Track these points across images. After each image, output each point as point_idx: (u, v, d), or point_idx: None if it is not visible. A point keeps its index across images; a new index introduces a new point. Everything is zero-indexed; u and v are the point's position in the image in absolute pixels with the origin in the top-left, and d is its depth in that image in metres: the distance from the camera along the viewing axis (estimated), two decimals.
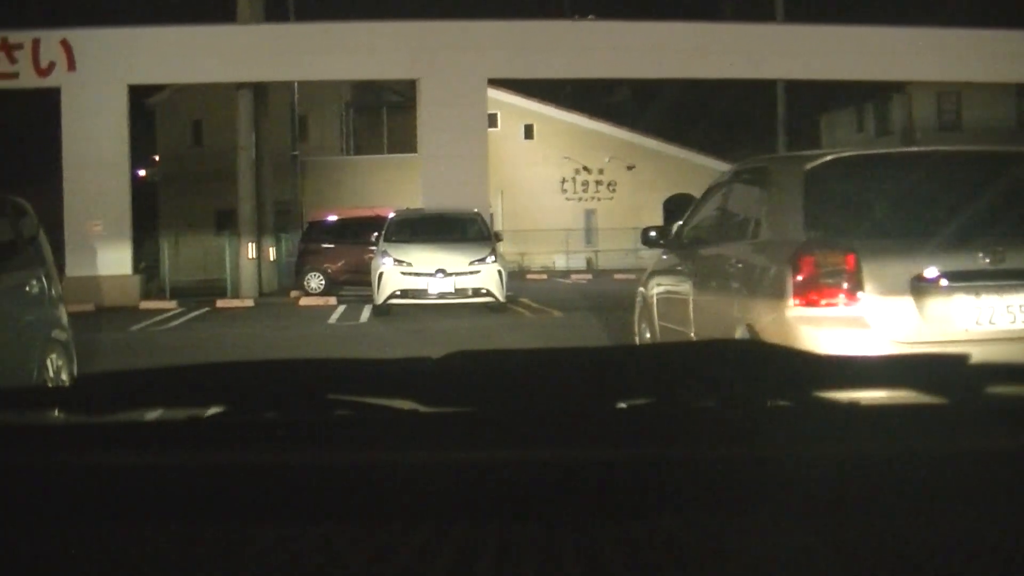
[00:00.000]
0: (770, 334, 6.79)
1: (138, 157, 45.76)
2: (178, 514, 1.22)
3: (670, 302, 9.34)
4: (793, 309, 6.63)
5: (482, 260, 20.32)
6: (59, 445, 1.43)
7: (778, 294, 6.76)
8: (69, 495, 1.27)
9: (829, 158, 7.43)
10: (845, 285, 6.53)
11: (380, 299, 20.32)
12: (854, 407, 1.59)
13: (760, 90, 39.09)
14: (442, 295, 20.04)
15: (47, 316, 8.96)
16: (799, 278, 6.64)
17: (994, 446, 1.36)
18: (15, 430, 1.51)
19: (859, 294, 6.49)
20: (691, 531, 1.15)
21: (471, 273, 20.10)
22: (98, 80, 25.55)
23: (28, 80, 25.86)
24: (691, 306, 8.53)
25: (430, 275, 19.90)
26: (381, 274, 20.19)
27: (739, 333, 7.23)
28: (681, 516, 1.18)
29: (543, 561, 1.10)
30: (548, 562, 1.10)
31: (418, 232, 21.59)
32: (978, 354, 1.76)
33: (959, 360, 1.65)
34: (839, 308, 6.54)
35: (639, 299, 10.51)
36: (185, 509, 1.23)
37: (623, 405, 1.59)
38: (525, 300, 23.56)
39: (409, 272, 19.99)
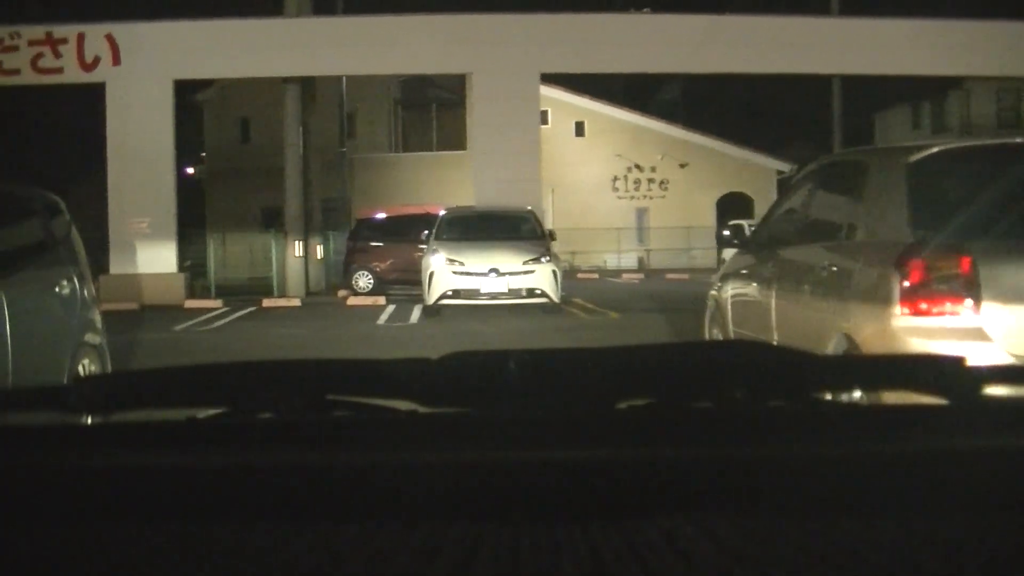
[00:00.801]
0: (873, 345, 6.10)
1: (186, 154, 45.90)
2: (177, 515, 1.22)
3: (748, 307, 8.65)
4: (900, 319, 5.91)
5: (536, 259, 19.62)
6: (58, 446, 1.42)
7: (882, 301, 6.04)
8: (68, 496, 1.27)
9: (935, 149, 6.68)
10: (960, 292, 5.80)
11: (431, 299, 19.67)
12: (854, 407, 1.65)
13: (814, 87, 38.42)
14: (495, 295, 19.36)
15: (79, 319, 8.45)
16: (906, 284, 5.92)
17: (994, 446, 1.35)
18: (15, 431, 1.52)
19: (976, 302, 5.77)
20: (691, 531, 1.15)
21: (525, 273, 19.41)
22: (143, 75, 25.18)
23: (73, 75, 25.59)
24: (773, 312, 7.83)
25: (483, 275, 19.24)
26: (432, 273, 19.54)
27: (834, 342, 6.54)
28: (681, 516, 1.17)
29: (543, 561, 1.10)
30: (548, 562, 1.09)
31: (470, 230, 20.92)
32: None
33: (958, 360, 1.65)
34: (954, 317, 5.81)
35: (710, 302, 9.82)
36: (184, 510, 1.24)
37: (623, 405, 1.57)
38: (579, 300, 22.92)
39: (461, 271, 19.33)
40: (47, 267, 8.20)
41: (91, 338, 8.55)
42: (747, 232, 9.46)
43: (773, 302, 7.85)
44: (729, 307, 9.09)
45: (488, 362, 1.62)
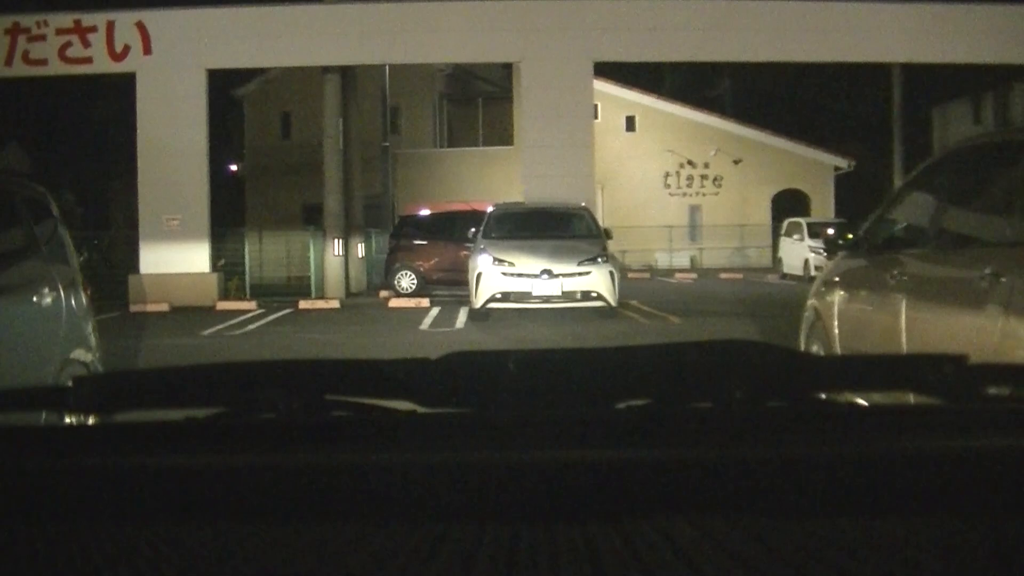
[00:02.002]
0: None
1: (228, 151, 45.03)
2: (176, 515, 1.21)
3: (865, 321, 7.17)
4: None
5: (592, 260, 18.07)
6: (58, 446, 1.43)
7: None
8: (68, 496, 1.27)
9: None
10: None
11: (478, 302, 18.15)
12: (854, 408, 1.66)
13: (870, 80, 37.02)
14: (547, 299, 17.80)
15: (66, 332, 7.13)
16: None
17: (994, 447, 1.35)
18: (15, 431, 1.51)
19: None
20: (690, 531, 1.15)
21: (580, 274, 17.85)
22: (175, 65, 24.13)
23: (102, 65, 24.57)
24: (904, 329, 6.35)
25: (534, 276, 17.73)
26: (480, 274, 18.04)
27: None
28: (680, 516, 1.18)
29: (542, 562, 1.09)
30: (548, 562, 1.09)
31: (520, 228, 19.43)
32: None
33: (959, 361, 1.65)
34: None
35: (808, 313, 8.35)
36: (182, 510, 1.23)
37: (622, 405, 1.56)
38: (634, 303, 21.50)
39: (511, 273, 17.84)
40: (26, 272, 6.86)
41: (80, 355, 7.21)
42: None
43: (903, 317, 6.36)
44: (836, 320, 7.62)
45: (487, 362, 1.64)
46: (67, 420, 1.67)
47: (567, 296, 17.80)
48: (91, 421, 1.63)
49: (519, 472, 1.24)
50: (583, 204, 20.98)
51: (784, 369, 1.72)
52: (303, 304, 23.81)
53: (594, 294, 17.90)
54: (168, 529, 1.17)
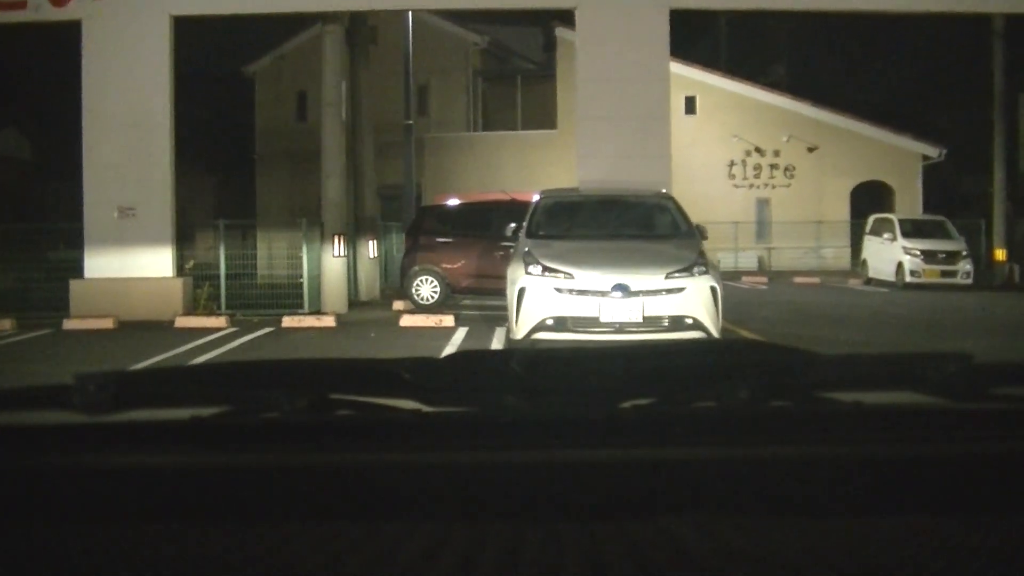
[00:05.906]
0: None
1: (240, 136, 40.41)
2: (178, 515, 1.20)
3: None
4: None
5: (686, 270, 12.35)
6: (59, 446, 1.41)
7: None
8: (69, 496, 1.26)
9: None
10: None
11: (521, 331, 12.38)
12: (855, 408, 1.60)
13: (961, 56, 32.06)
14: (622, 327, 12.03)
15: None
16: None
17: (995, 448, 1.33)
18: (15, 431, 1.51)
19: None
20: (691, 531, 1.14)
21: (669, 292, 12.13)
22: (131, 9, 19.15)
23: (41, 11, 19.43)
24: None
25: (602, 294, 12.01)
26: (523, 291, 12.30)
27: None
28: (681, 516, 1.17)
29: (544, 561, 1.09)
30: (549, 562, 1.09)
31: (580, 225, 13.82)
32: None
33: (961, 361, 1.64)
34: None
35: None
36: (185, 510, 1.22)
37: (626, 405, 1.54)
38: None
39: (568, 288, 12.13)
40: None
41: None
42: None
43: None
44: None
45: (491, 362, 1.73)
46: (69, 420, 1.55)
47: (650, 323, 12.07)
48: (94, 421, 1.54)
49: (523, 472, 1.24)
50: (663, 191, 15.43)
51: (788, 369, 1.72)
52: (287, 321, 18.31)
53: (689, 320, 12.15)
54: (170, 529, 1.16)
